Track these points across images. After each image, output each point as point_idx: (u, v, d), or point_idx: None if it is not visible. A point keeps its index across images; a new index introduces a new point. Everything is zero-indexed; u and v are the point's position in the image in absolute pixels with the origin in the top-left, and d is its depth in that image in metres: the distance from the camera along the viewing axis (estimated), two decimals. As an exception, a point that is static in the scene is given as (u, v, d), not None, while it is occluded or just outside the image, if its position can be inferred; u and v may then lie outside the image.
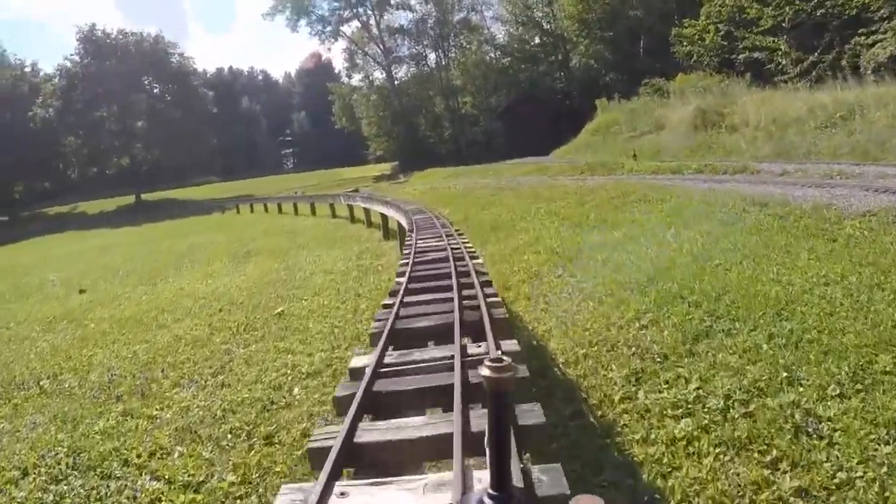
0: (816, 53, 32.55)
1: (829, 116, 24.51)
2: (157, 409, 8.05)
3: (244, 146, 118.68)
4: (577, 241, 14.12)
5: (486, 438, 1.64)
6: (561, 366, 7.38)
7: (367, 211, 26.36)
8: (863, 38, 29.53)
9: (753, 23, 36.45)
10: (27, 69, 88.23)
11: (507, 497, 1.50)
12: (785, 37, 34.47)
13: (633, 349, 7.35)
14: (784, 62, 34.55)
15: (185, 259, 23.85)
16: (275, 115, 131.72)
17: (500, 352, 4.11)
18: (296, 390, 7.88)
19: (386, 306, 6.28)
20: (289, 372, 8.57)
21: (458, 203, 27.34)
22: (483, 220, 21.59)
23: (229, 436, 6.85)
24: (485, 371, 1.49)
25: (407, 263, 8.60)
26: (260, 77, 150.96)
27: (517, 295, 10.87)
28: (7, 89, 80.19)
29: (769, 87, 31.43)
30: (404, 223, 16.97)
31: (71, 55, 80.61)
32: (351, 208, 29.93)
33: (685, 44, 43.86)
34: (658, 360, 6.98)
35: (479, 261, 8.68)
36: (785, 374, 6.16)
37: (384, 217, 21.90)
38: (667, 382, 6.39)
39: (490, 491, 1.52)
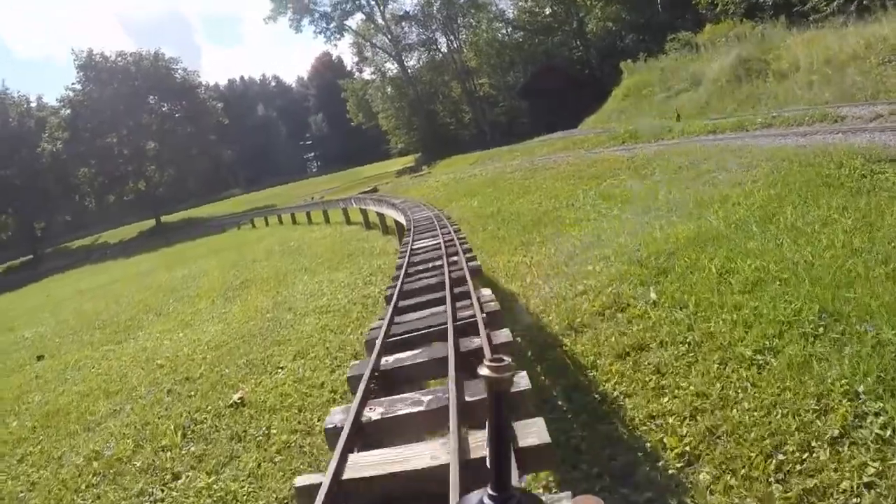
0: (854, -14, 28.45)
1: (893, 50, 21.13)
2: None
3: (265, 154, 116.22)
4: (656, 237, 9.99)
5: (486, 439, 1.66)
6: None
7: (381, 216, 22.45)
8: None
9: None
10: (32, 104, 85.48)
11: (507, 498, 1.29)
12: (818, -29, 30.37)
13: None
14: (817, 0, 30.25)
15: (173, 297, 20.18)
16: (292, 119, 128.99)
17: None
18: None
19: None
20: (207, 567, 4.66)
21: (487, 193, 23.33)
22: (520, 211, 17.58)
23: None
24: (484, 371, 1.31)
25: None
26: (273, 83, 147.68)
27: (596, 345, 6.80)
28: (14, 127, 77.68)
29: (808, 28, 27.59)
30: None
31: (72, 84, 77.98)
32: (364, 213, 26.04)
33: (707, -9, 39.87)
34: None
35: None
36: None
37: (398, 224, 17.95)
38: None
39: (490, 492, 1.31)
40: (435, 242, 9.63)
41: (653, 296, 7.54)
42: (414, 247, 9.68)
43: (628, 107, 38.77)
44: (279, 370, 9.03)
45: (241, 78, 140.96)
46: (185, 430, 7.67)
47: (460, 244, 8.76)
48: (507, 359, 1.38)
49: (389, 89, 73.09)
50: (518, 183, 23.16)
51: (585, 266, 9.82)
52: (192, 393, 9.07)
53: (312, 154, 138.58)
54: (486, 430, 1.56)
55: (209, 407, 8.23)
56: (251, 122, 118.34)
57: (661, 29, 44.53)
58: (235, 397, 8.11)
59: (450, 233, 10.37)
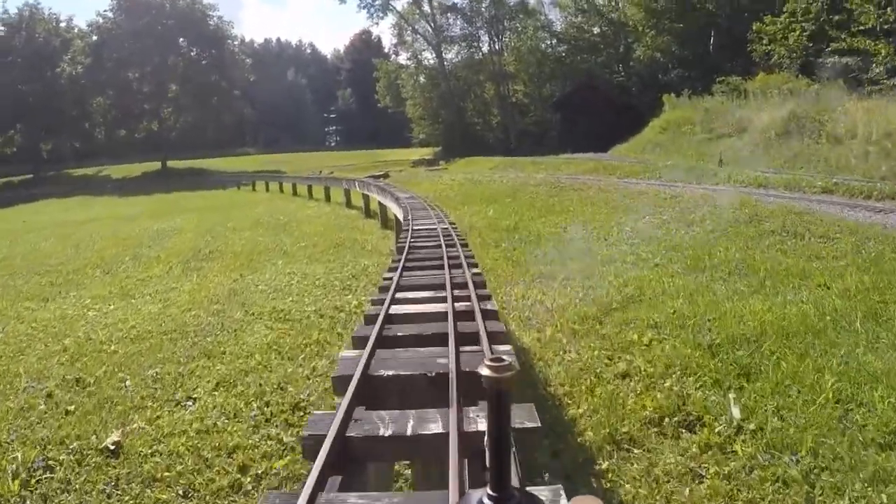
0: (920, 61, 27.97)
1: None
2: None
3: (287, 119, 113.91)
4: (725, 311, 7.59)
5: (485, 439, 1.47)
6: None
7: (382, 206, 20.08)
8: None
9: (848, 23, 31.31)
10: (62, 24, 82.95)
11: (506, 497, 1.28)
12: (885, 41, 29.40)
13: None
14: (880, 69, 29.25)
15: (133, 254, 17.85)
16: (321, 90, 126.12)
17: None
18: None
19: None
20: None
21: (505, 203, 20.99)
22: (542, 233, 15.25)
23: None
24: (484, 370, 1.24)
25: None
26: (308, 51, 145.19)
27: (656, 489, 4.35)
28: (39, 44, 75.35)
29: (864, 95, 26.30)
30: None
31: (104, 11, 76.18)
32: (366, 199, 23.67)
33: (765, 42, 38.48)
34: None
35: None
36: None
37: (398, 221, 15.60)
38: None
39: (489, 492, 1.30)
40: (440, 310, 4.65)
41: (736, 413, 5.13)
42: (393, 312, 4.68)
43: (665, 141, 36.69)
44: (189, 402, 6.57)
45: (278, 39, 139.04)
46: (31, 476, 5.28)
47: (490, 341, 3.84)
48: (507, 358, 1.34)
49: (422, 78, 71.35)
50: (542, 200, 20.83)
51: (627, 331, 7.40)
52: (72, 408, 6.64)
53: (335, 128, 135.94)
54: (486, 431, 1.37)
55: (76, 443, 5.78)
56: (280, 85, 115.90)
57: (709, 69, 43.31)
58: (110, 441, 5.69)
59: (465, 282, 5.45)
